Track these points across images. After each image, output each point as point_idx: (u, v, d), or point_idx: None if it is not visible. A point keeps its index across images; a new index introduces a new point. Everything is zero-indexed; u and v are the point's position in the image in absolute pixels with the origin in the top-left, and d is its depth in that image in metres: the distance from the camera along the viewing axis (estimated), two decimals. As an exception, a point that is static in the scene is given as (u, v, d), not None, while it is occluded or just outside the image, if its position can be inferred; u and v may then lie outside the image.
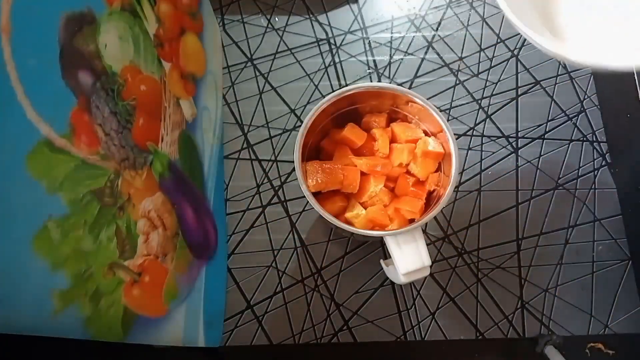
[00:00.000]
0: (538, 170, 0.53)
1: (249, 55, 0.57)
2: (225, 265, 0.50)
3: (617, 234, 0.51)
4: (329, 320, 0.49)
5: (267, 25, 0.58)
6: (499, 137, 0.54)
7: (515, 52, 0.57)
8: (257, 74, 0.56)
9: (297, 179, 0.41)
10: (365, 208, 0.45)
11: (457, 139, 0.47)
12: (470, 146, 0.54)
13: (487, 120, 0.55)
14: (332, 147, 0.47)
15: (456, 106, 0.55)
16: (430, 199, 0.45)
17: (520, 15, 0.21)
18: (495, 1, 0.59)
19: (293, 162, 0.42)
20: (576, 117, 0.55)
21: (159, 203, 0.40)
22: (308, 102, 0.55)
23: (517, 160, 0.54)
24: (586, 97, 0.56)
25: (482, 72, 0.57)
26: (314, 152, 0.47)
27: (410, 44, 0.58)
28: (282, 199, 0.52)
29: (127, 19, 0.37)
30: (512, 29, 0.58)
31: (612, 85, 0.56)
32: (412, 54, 0.57)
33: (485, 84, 0.56)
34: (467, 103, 0.55)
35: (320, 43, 0.58)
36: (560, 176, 0.53)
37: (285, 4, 0.59)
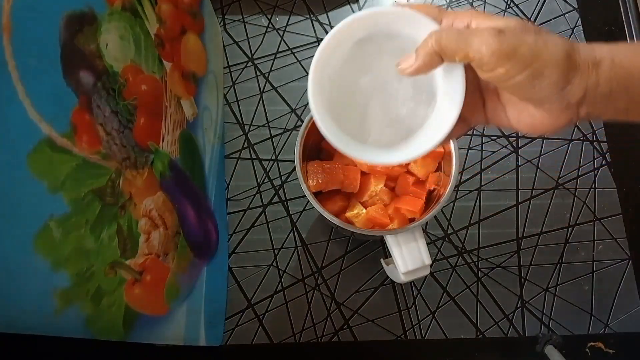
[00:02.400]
0: (538, 170, 0.53)
1: (249, 55, 0.57)
2: (226, 265, 0.50)
3: (617, 233, 0.52)
4: (329, 319, 0.49)
5: (268, 25, 0.58)
6: (499, 137, 0.54)
7: (516, 51, 0.57)
8: (258, 73, 0.56)
9: (297, 178, 0.41)
10: (366, 207, 0.45)
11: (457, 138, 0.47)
12: (471, 146, 0.54)
13: (488, 119, 0.55)
14: (333, 147, 0.47)
15: (456, 106, 0.55)
16: (430, 198, 0.45)
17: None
18: (495, 1, 0.59)
19: (294, 161, 0.42)
20: (576, 117, 0.55)
21: (160, 202, 0.40)
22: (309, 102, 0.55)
23: (517, 160, 0.54)
24: (586, 96, 0.56)
25: (482, 72, 0.57)
26: (315, 151, 0.47)
27: (410, 44, 0.58)
28: (283, 198, 0.52)
29: (128, 19, 0.37)
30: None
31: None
32: (412, 54, 0.57)
33: (486, 83, 0.56)
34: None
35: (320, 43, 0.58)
36: (561, 175, 0.53)
37: (286, 4, 0.59)
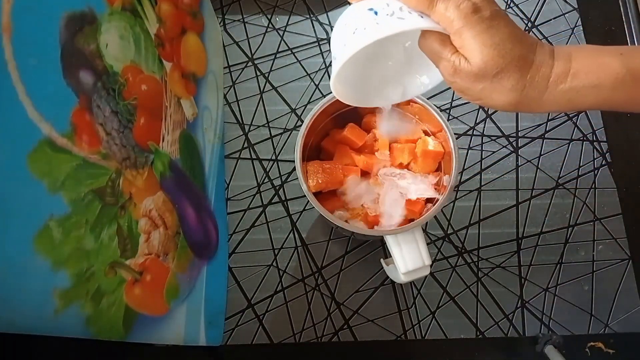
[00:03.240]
0: (538, 170, 0.53)
1: (249, 55, 0.57)
2: (226, 265, 0.50)
3: (617, 233, 0.52)
4: (329, 319, 0.49)
5: (268, 25, 0.58)
6: (499, 137, 0.54)
7: (516, 51, 0.57)
8: (258, 73, 0.56)
9: (297, 178, 0.41)
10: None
11: (457, 138, 0.47)
12: (471, 146, 0.54)
13: (487, 119, 0.55)
14: (333, 147, 0.47)
15: (456, 106, 0.55)
16: (430, 198, 0.45)
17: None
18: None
19: (294, 161, 0.42)
20: (576, 117, 0.55)
21: (160, 202, 0.40)
22: (309, 102, 0.55)
23: (517, 160, 0.54)
24: (586, 96, 0.56)
25: (482, 72, 0.57)
26: (315, 151, 0.47)
27: (410, 44, 0.58)
28: (283, 198, 0.53)
29: (128, 19, 0.37)
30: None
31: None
32: (412, 54, 0.57)
33: (486, 83, 0.56)
34: (467, 102, 0.55)
35: (320, 43, 0.58)
36: (560, 175, 0.53)
37: (285, 4, 0.59)
